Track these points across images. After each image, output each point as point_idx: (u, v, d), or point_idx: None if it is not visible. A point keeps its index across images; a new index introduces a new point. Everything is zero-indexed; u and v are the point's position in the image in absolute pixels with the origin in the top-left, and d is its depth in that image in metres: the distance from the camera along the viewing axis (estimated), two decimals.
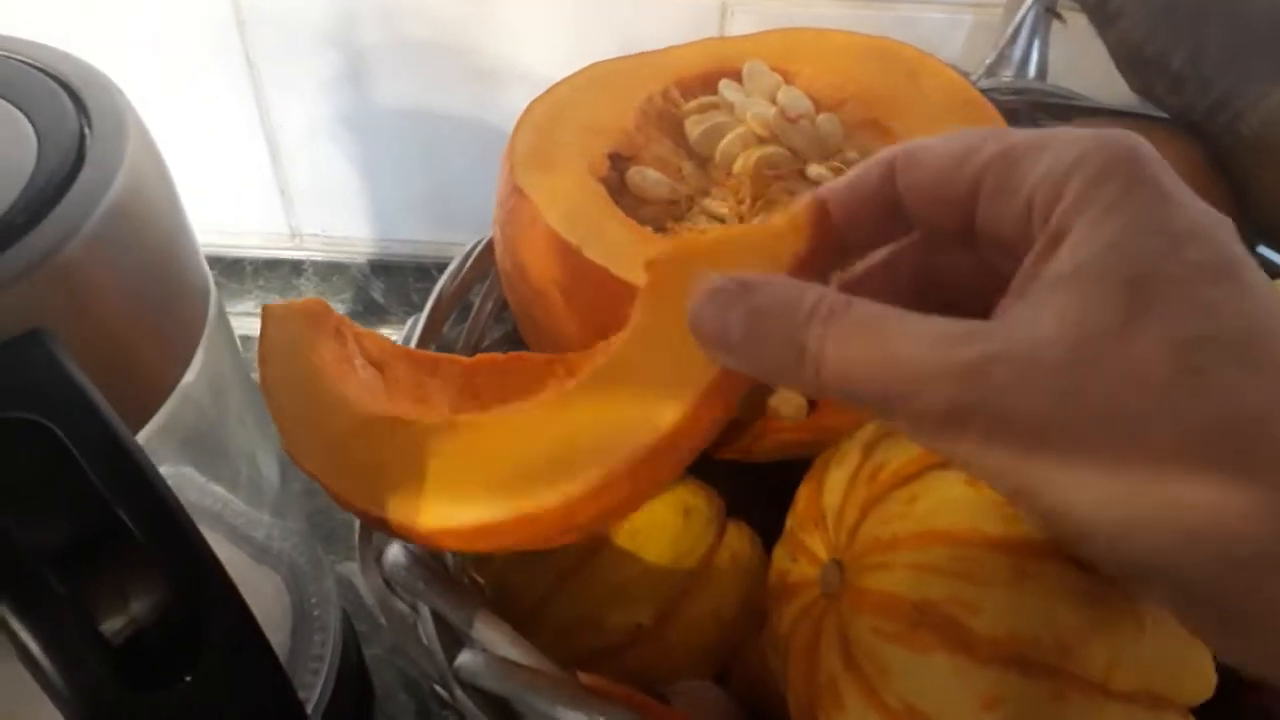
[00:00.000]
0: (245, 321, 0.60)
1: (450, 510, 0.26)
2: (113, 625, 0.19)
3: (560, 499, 0.25)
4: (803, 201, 0.24)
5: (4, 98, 0.25)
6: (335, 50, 0.53)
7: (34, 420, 0.19)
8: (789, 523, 0.28)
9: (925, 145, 0.21)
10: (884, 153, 0.23)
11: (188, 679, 0.19)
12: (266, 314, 0.31)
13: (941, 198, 0.21)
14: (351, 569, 0.47)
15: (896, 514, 0.24)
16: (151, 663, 0.19)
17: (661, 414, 0.25)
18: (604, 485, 0.25)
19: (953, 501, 0.23)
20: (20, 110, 0.25)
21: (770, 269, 0.25)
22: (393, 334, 0.36)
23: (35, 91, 0.25)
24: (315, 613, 0.38)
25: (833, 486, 0.26)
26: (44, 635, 0.19)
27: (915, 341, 0.18)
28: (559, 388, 0.30)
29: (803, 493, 0.27)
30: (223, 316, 0.32)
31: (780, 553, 0.28)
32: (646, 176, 0.35)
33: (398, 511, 0.26)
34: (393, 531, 0.27)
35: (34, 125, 0.24)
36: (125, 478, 0.19)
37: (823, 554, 0.26)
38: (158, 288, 0.26)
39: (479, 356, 0.33)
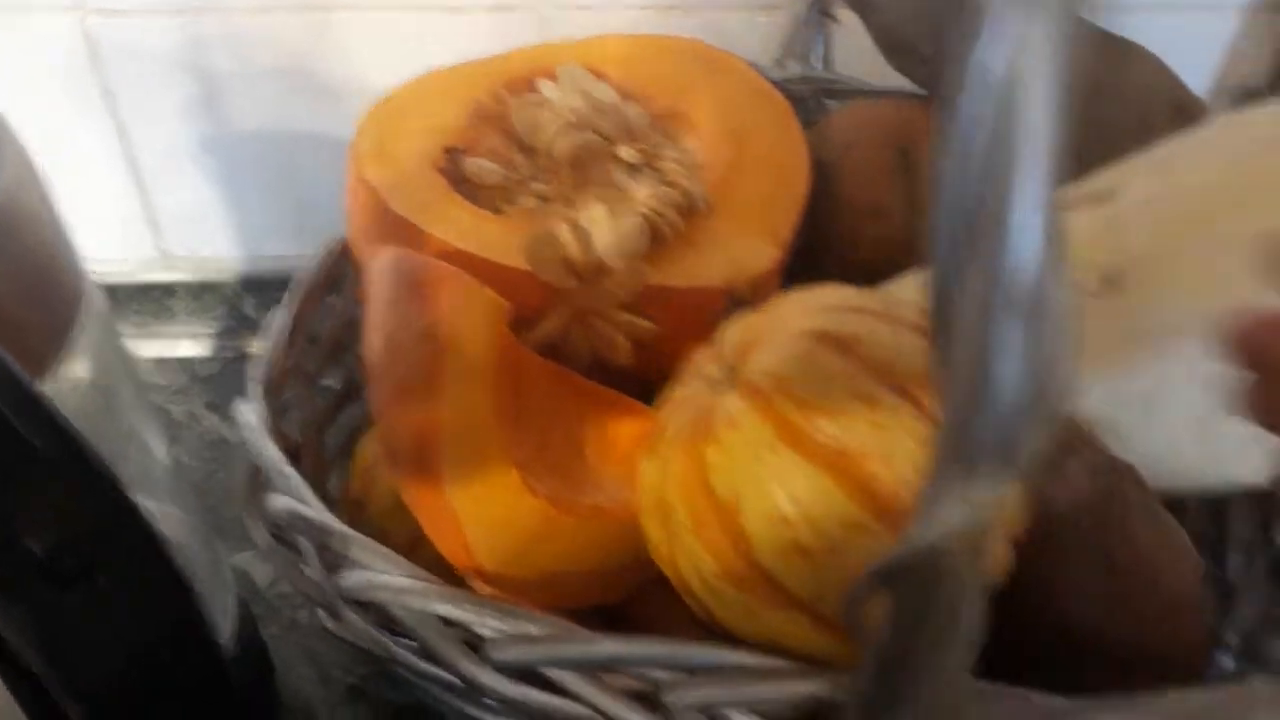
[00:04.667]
0: None
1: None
2: (37, 539, 0.23)
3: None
4: None
5: None
6: (189, 77, 0.56)
7: None
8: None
9: None
10: None
11: (102, 578, 0.23)
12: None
13: None
14: (245, 559, 0.50)
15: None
16: (71, 568, 0.23)
17: None
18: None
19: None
20: None
21: None
22: None
23: None
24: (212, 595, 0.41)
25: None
26: None
27: None
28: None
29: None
30: (107, 317, 0.35)
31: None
32: (481, 165, 0.40)
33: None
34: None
35: None
36: (37, 417, 0.23)
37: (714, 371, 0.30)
38: (37, 282, 0.29)
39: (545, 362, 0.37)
